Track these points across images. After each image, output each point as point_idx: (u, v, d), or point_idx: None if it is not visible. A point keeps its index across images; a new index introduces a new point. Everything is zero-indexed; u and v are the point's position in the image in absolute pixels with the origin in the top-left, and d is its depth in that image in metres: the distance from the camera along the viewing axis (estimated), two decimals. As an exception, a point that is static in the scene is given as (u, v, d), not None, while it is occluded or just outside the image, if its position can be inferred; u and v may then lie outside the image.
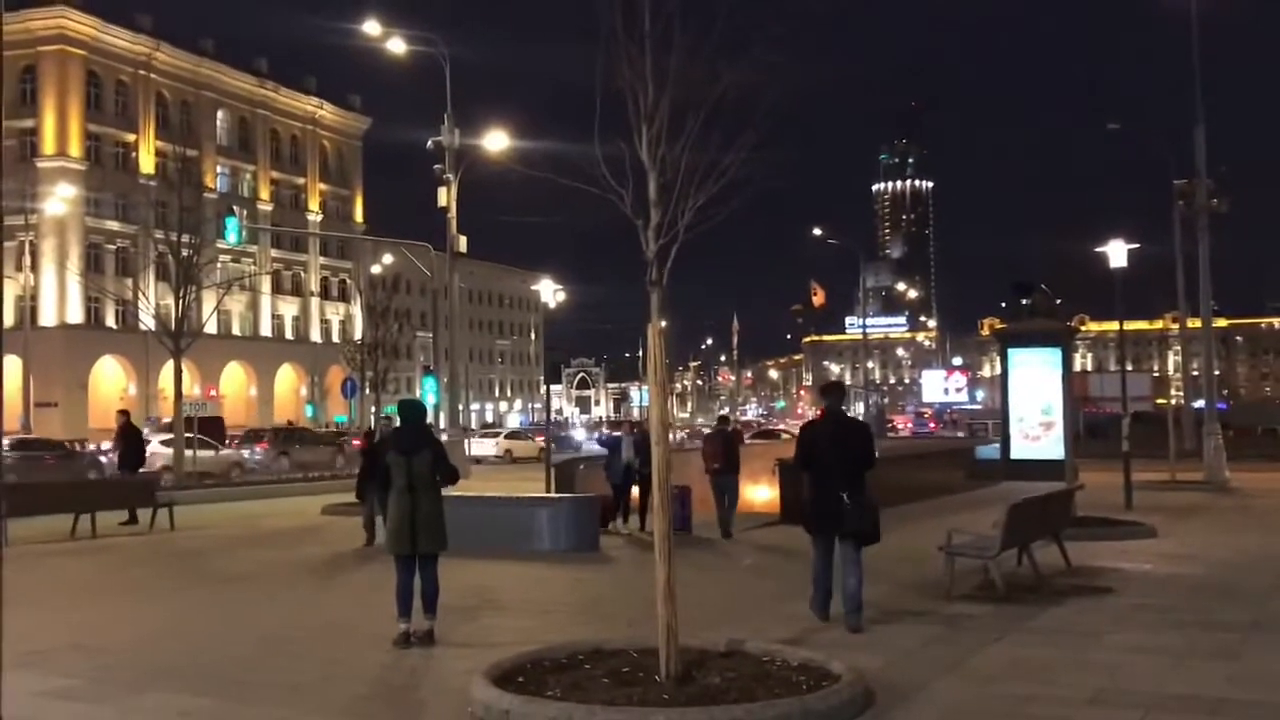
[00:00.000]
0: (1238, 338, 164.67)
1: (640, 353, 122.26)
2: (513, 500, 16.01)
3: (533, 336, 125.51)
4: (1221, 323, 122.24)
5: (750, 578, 12.28)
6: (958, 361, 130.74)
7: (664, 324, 7.18)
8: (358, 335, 50.67)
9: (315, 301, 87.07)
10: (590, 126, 7.11)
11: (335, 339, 79.88)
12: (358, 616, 10.19)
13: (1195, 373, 46.38)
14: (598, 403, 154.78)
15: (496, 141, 32.77)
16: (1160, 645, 8.47)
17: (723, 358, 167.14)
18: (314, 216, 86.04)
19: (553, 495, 17.19)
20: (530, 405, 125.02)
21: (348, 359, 26.20)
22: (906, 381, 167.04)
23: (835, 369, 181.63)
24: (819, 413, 9.85)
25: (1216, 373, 37.22)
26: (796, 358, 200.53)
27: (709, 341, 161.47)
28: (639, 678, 6.86)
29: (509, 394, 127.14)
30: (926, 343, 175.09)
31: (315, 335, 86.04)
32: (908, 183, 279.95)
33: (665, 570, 6.89)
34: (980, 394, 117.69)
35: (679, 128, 6.96)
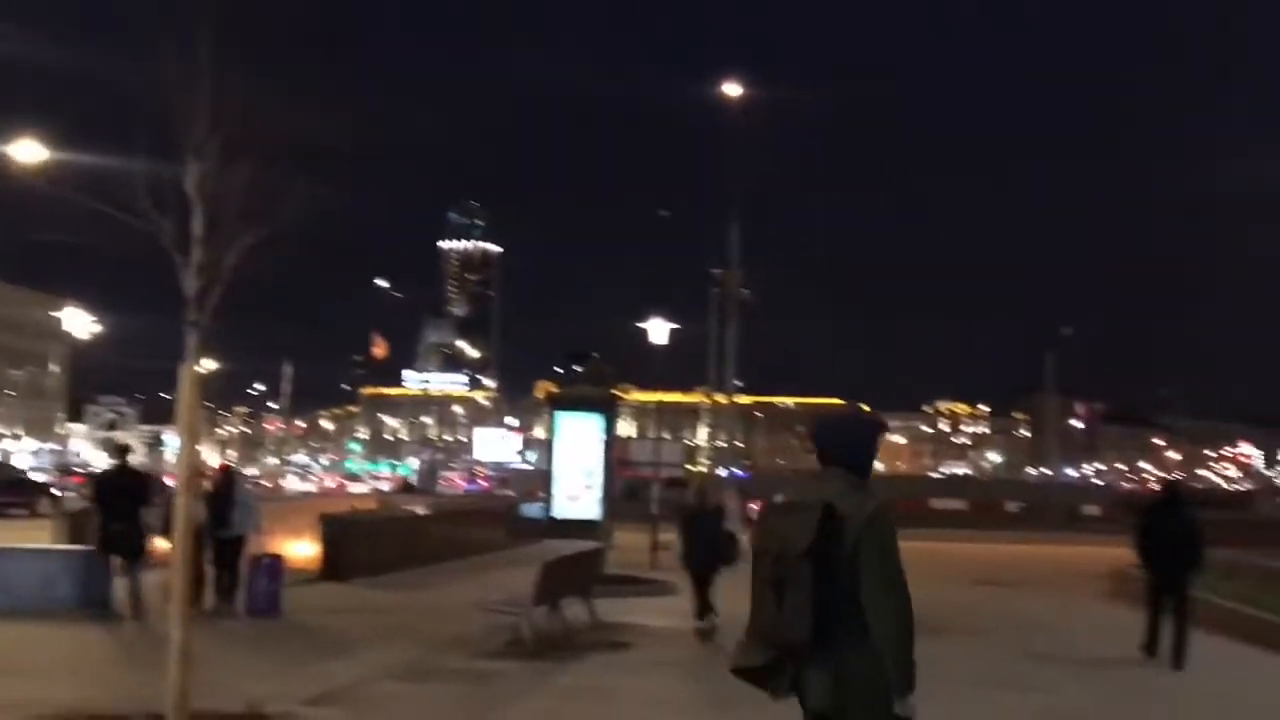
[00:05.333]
0: (758, 414, 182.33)
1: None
2: (4, 551, 14.24)
3: (55, 369, 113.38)
4: (746, 399, 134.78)
5: (282, 638, 11.77)
6: (513, 422, 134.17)
7: (208, 365, 6.82)
8: None
9: None
10: (137, 148, 6.69)
11: None
12: None
13: (722, 443, 50.79)
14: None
15: (29, 152, 29.57)
16: (668, 697, 9.14)
17: (273, 405, 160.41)
18: None
19: (55, 547, 15.50)
20: (47, 446, 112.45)
21: None
22: (464, 439, 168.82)
23: (393, 423, 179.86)
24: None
25: (740, 444, 40.89)
26: (353, 409, 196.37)
27: (259, 387, 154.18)
28: (142, 746, 6.36)
29: (19, 432, 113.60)
30: (485, 402, 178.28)
31: None
32: (476, 244, 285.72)
33: (181, 631, 6.47)
34: (533, 455, 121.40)
35: (233, 165, 6.70)
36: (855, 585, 3.91)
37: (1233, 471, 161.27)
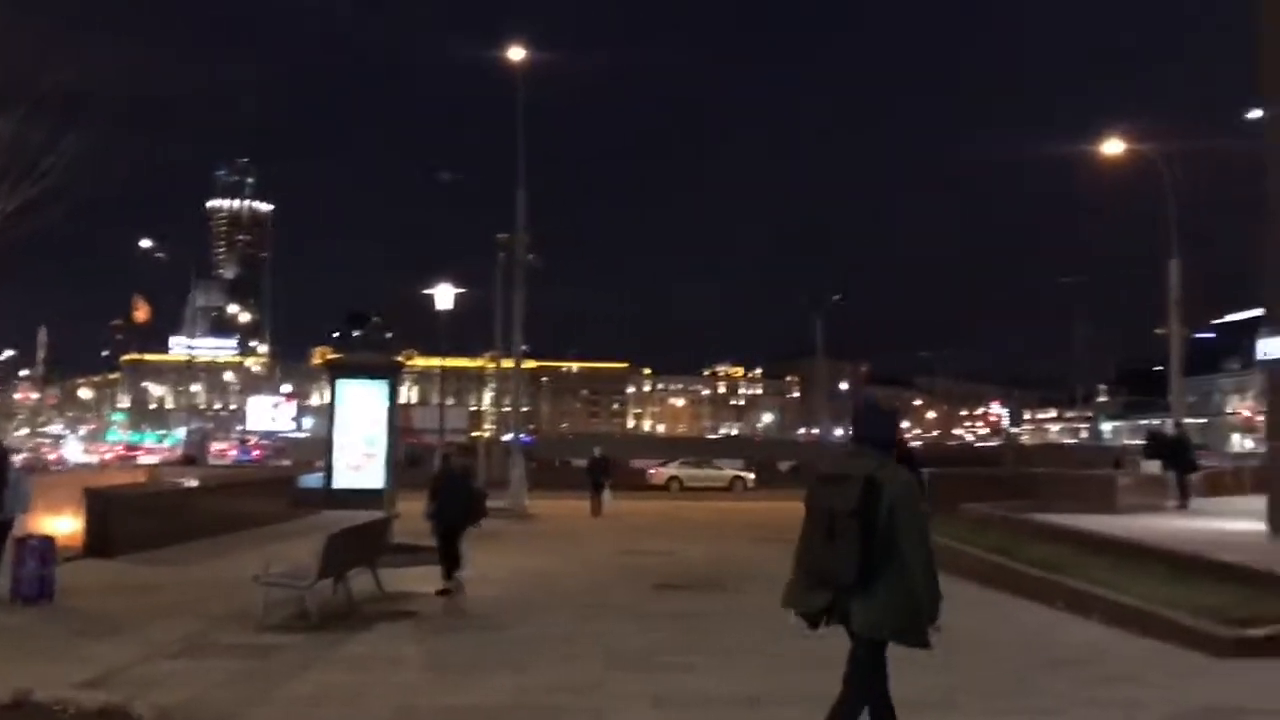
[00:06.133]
0: (544, 379, 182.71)
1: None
2: None
3: None
4: (532, 364, 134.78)
5: (50, 621, 11.14)
6: (288, 389, 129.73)
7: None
8: None
9: None
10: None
11: None
12: None
13: (508, 408, 50.84)
14: None
15: None
16: (454, 663, 9.21)
17: (23, 372, 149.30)
18: None
19: None
20: None
21: None
22: (234, 408, 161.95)
23: (158, 390, 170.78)
24: None
25: (525, 409, 41.03)
26: (113, 377, 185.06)
27: (10, 353, 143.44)
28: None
29: None
30: (257, 368, 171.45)
31: None
32: (246, 203, 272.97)
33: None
34: (309, 421, 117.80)
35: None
36: (890, 538, 5.12)
37: (984, 429, 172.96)
